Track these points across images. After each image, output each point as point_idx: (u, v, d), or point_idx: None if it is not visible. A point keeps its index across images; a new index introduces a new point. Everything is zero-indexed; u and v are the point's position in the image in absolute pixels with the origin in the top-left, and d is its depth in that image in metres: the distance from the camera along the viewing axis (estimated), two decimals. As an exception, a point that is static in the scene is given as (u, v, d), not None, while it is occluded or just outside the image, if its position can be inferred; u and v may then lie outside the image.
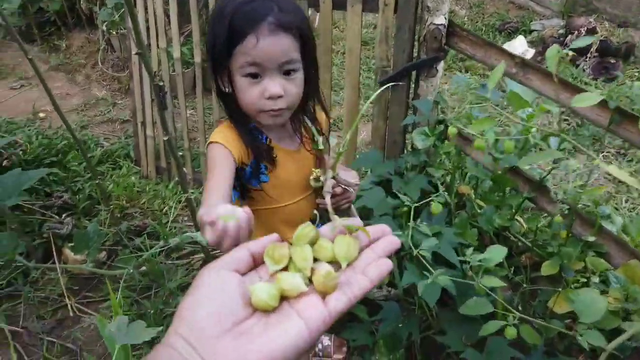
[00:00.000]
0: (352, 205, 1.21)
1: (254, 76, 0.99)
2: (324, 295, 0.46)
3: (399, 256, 1.98)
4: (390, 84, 1.85)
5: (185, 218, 2.54)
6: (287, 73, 1.00)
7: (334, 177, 1.08)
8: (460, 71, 4.22)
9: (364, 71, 4.08)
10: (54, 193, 2.54)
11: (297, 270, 0.47)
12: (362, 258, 0.50)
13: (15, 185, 2.13)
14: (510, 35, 4.78)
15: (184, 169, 2.81)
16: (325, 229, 0.53)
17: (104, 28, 3.87)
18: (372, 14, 1.93)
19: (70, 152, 2.88)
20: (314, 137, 1.13)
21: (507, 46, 4.18)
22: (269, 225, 1.19)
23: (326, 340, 1.78)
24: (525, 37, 4.61)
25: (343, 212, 1.21)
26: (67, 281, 2.08)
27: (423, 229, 1.24)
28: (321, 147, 1.07)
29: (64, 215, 2.41)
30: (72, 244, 2.10)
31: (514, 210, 1.73)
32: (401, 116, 1.98)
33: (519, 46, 4.30)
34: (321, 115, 1.24)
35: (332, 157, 1.25)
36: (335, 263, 0.49)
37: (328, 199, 1.00)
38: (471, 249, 1.04)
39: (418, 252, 1.12)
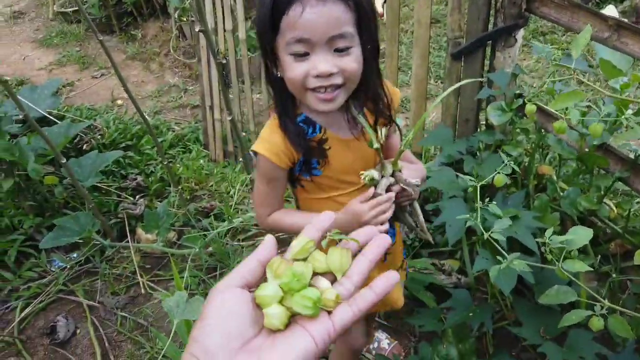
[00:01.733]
0: (415, 203, 1.09)
1: (302, 55, 0.87)
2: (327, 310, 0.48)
3: (470, 242, 1.86)
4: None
5: (251, 200, 2.55)
6: (339, 50, 0.87)
7: (393, 175, 1.00)
8: (540, 42, 3.91)
9: (435, 49, 3.90)
10: (129, 175, 2.65)
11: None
12: (355, 264, 0.51)
13: (93, 167, 2.24)
14: (599, 5, 4.36)
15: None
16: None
17: (176, 16, 3.97)
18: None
19: (144, 136, 2.99)
20: (369, 131, 0.97)
21: (595, 17, 3.80)
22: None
23: (384, 342, 1.71)
24: (616, 6, 4.19)
25: (404, 210, 1.10)
26: (140, 260, 2.16)
27: (492, 209, 1.12)
28: (376, 146, 0.94)
29: (137, 197, 2.50)
30: (144, 224, 2.17)
31: (602, 193, 1.55)
32: (475, 91, 1.84)
33: (609, 17, 3.90)
34: (395, 92, 1.10)
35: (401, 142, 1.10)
36: (329, 273, 0.50)
37: (385, 201, 0.93)
38: (551, 229, 0.92)
39: (489, 235, 1.01)
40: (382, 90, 1.03)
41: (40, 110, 2.70)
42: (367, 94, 1.00)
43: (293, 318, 0.47)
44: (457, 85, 0.90)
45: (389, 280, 0.49)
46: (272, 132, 1.01)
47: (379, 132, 0.99)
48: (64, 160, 1.94)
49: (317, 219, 0.54)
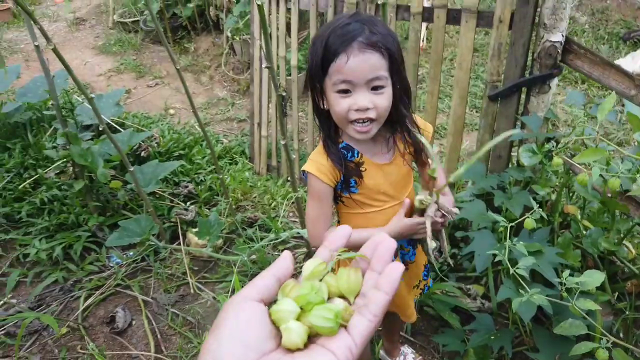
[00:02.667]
0: (443, 229, 1.27)
1: (345, 92, 1.09)
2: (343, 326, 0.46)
3: (495, 270, 2.01)
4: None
5: (291, 214, 2.75)
6: (374, 88, 1.10)
7: (436, 203, 1.16)
8: (576, 82, 4.01)
9: (472, 79, 4.04)
10: (181, 183, 2.88)
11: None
12: (367, 281, 0.49)
13: (153, 175, 2.47)
14: (636, 44, 4.43)
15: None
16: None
17: (229, 34, 4.23)
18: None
19: (195, 146, 3.23)
20: (417, 157, 1.19)
21: (631, 57, 3.89)
22: (360, 227, 1.29)
23: (410, 357, 1.85)
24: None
25: (434, 234, 1.27)
26: (189, 262, 2.37)
27: (519, 248, 1.27)
28: (435, 175, 1.10)
29: (188, 203, 2.73)
30: (196, 230, 2.39)
31: (622, 235, 1.68)
32: (509, 130, 1.99)
33: (647, 57, 3.98)
34: (427, 126, 1.31)
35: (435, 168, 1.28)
36: (342, 297, 0.49)
37: (428, 224, 1.08)
38: (568, 270, 1.07)
39: (515, 271, 1.17)
40: (412, 123, 1.24)
41: (105, 118, 2.96)
42: (399, 125, 1.22)
43: (310, 339, 0.45)
44: (492, 144, 1.06)
45: (394, 274, 0.47)
46: (319, 154, 1.22)
47: (430, 162, 1.20)
48: (132, 168, 2.18)
49: (331, 236, 0.53)
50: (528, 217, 1.30)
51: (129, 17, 5.36)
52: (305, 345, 0.44)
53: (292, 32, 2.66)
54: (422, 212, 1.15)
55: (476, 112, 3.75)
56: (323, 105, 1.17)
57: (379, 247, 0.51)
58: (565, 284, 1.04)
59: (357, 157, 1.23)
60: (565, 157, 1.29)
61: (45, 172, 2.75)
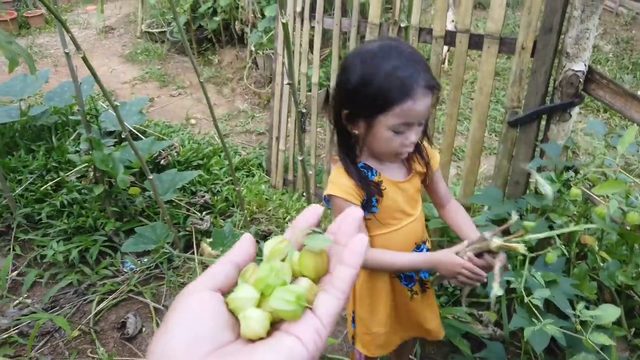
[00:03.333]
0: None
1: (402, 132, 1.11)
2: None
3: (509, 298, 1.98)
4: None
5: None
6: (420, 124, 1.13)
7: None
8: (598, 111, 3.98)
9: (492, 102, 4.03)
10: (198, 192, 2.92)
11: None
12: (332, 257, 0.45)
13: (172, 183, 2.51)
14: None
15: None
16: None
17: (252, 48, 4.30)
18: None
19: (214, 157, 3.27)
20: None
21: (657, 87, 3.84)
22: (381, 248, 1.30)
23: None
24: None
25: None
26: (202, 271, 2.38)
27: (537, 279, 1.26)
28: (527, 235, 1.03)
29: (204, 213, 2.76)
30: (210, 240, 2.41)
31: (641, 269, 1.65)
32: (527, 158, 1.98)
33: (673, 87, 3.93)
34: (434, 155, 1.34)
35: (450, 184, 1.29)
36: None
37: (498, 270, 0.99)
38: (582, 303, 1.05)
39: (530, 300, 1.16)
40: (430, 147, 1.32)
41: (128, 126, 3.02)
42: (418, 151, 1.27)
43: (274, 325, 0.40)
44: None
45: (358, 247, 0.43)
46: (341, 175, 1.22)
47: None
48: (151, 176, 2.21)
49: (300, 216, 0.48)
50: (550, 251, 1.29)
51: (157, 28, 5.48)
52: (269, 333, 0.40)
53: (315, 49, 2.70)
54: (479, 254, 1.07)
55: (495, 135, 3.73)
56: (356, 130, 1.17)
57: (344, 219, 0.46)
58: (579, 317, 1.03)
59: (376, 175, 1.24)
60: (584, 188, 1.28)
61: (67, 175, 2.81)
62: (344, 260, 0.42)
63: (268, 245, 0.45)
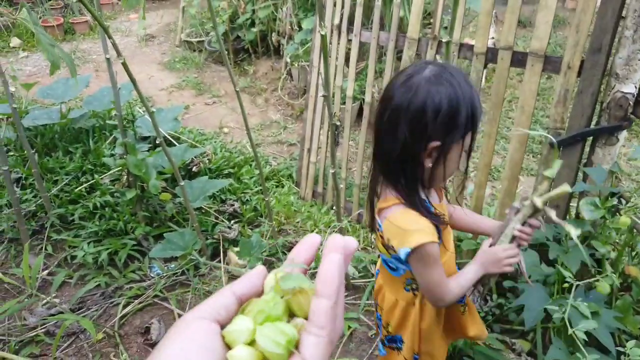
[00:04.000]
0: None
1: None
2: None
3: (543, 327, 1.88)
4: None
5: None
6: None
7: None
8: (645, 136, 3.82)
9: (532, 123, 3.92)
10: (227, 201, 2.92)
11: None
12: (314, 305, 0.41)
13: (202, 191, 2.51)
14: None
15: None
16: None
17: (288, 59, 4.32)
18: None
19: (245, 166, 3.28)
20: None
21: None
22: (448, 273, 1.22)
23: None
24: None
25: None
26: (228, 280, 2.37)
27: (583, 310, 1.19)
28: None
29: (232, 222, 2.75)
30: (237, 249, 2.40)
31: (692, 306, 1.54)
32: (569, 181, 1.89)
33: None
34: None
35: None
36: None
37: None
38: (633, 341, 0.98)
39: (574, 332, 1.09)
40: None
41: (163, 132, 3.06)
42: None
43: None
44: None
45: (329, 274, 0.40)
46: (414, 218, 1.09)
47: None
48: (182, 183, 2.22)
49: (299, 247, 0.47)
50: (600, 279, 1.21)
51: (195, 37, 5.58)
52: None
53: (351, 62, 2.68)
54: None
55: (532, 156, 3.62)
56: (428, 163, 1.06)
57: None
58: (629, 355, 0.95)
59: (430, 205, 1.16)
60: (633, 217, 1.21)
61: (101, 178, 2.86)
62: (318, 292, 0.40)
63: (270, 278, 0.44)
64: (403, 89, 1.02)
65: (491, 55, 2.02)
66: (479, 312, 2.07)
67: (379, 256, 1.41)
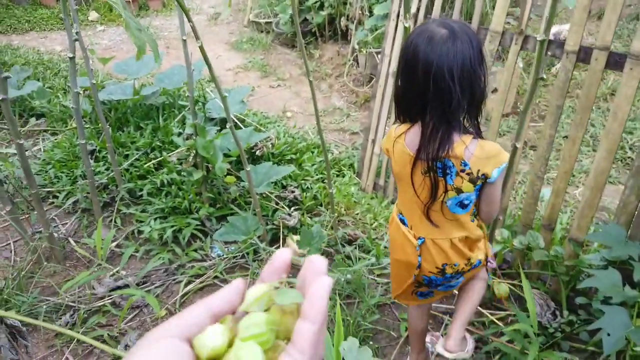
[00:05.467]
0: None
1: None
2: None
3: (618, 351, 1.76)
4: None
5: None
6: None
7: None
8: None
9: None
10: (288, 187, 2.91)
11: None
12: (297, 332, 0.38)
13: (266, 176, 2.52)
14: None
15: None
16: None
17: (356, 45, 4.24)
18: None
19: (306, 153, 3.26)
20: None
21: None
22: None
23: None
24: None
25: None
26: (285, 268, 2.37)
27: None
28: None
29: (292, 209, 2.75)
30: (297, 237, 2.39)
31: None
32: (661, 197, 1.74)
33: None
34: None
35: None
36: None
37: None
38: None
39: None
40: None
41: (231, 114, 3.09)
42: None
43: None
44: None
45: (318, 298, 0.38)
46: (492, 143, 1.32)
47: None
48: (248, 168, 2.23)
49: (268, 267, 0.45)
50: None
51: (264, 18, 5.59)
52: None
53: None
54: None
55: (615, 164, 3.37)
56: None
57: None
58: None
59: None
60: None
61: (169, 156, 2.93)
62: (304, 314, 0.38)
63: (249, 295, 0.41)
64: (450, 52, 1.15)
65: (584, 54, 1.87)
66: (547, 328, 1.96)
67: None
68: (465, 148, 1.23)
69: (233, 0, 6.68)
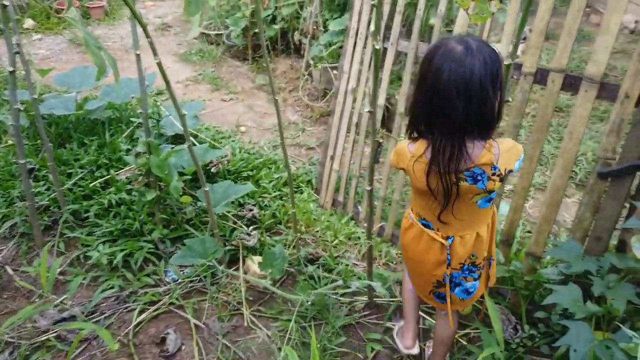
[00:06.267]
0: None
1: None
2: None
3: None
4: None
5: (352, 256, 2.62)
6: None
7: None
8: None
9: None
10: (246, 205, 2.82)
11: None
12: None
13: (223, 195, 2.43)
14: None
15: (359, 207, 2.91)
16: None
17: (310, 60, 4.22)
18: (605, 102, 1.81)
19: (263, 169, 3.19)
20: None
21: None
22: None
23: None
24: None
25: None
26: (246, 290, 2.28)
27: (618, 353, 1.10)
28: None
29: (251, 228, 2.66)
30: (257, 258, 2.31)
31: None
32: (614, 213, 1.81)
33: None
34: None
35: None
36: None
37: None
38: None
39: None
40: None
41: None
42: None
43: None
44: None
45: None
46: (506, 140, 1.40)
47: None
48: (207, 188, 2.13)
49: None
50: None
51: (214, 30, 5.48)
52: None
53: (385, 70, 2.58)
54: None
55: (572, 183, 3.48)
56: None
57: None
58: None
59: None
60: None
61: (117, 174, 2.77)
62: None
63: None
64: (460, 69, 1.17)
65: (540, 76, 1.93)
66: (509, 343, 1.99)
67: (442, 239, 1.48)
68: (491, 154, 1.29)
69: (181, 10, 6.51)
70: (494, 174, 1.31)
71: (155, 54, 1.63)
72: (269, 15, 4.79)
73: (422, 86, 1.26)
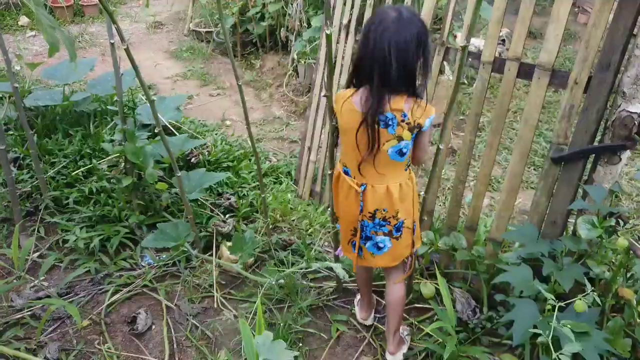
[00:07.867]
0: None
1: None
2: None
3: (532, 342, 1.86)
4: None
5: (326, 243, 2.69)
6: None
7: None
8: (649, 156, 3.79)
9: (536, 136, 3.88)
10: (224, 194, 2.90)
11: None
12: None
13: (199, 183, 2.50)
14: None
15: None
16: None
17: (295, 56, 4.30)
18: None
19: (244, 160, 3.26)
20: None
21: None
22: None
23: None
24: None
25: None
26: (218, 275, 2.35)
27: (566, 332, 1.17)
28: None
29: (227, 216, 2.73)
30: (230, 244, 2.38)
31: (684, 332, 1.52)
32: (568, 197, 1.87)
33: None
34: None
35: None
36: None
37: None
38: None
39: (557, 356, 1.07)
40: None
41: (164, 121, 3.04)
42: None
43: None
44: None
45: None
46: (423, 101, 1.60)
47: None
48: (179, 174, 2.20)
49: None
50: (580, 298, 1.19)
51: (204, 27, 5.56)
52: None
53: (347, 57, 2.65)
54: None
55: (533, 169, 3.59)
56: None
57: None
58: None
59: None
60: (631, 239, 1.19)
61: (99, 163, 2.84)
62: None
63: None
64: (392, 31, 1.40)
65: (498, 65, 1.99)
66: (468, 324, 2.05)
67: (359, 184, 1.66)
68: (404, 103, 1.48)
69: (174, 9, 6.59)
70: (402, 121, 1.50)
71: (122, 39, 1.70)
72: (257, 13, 4.87)
73: (363, 44, 1.47)
